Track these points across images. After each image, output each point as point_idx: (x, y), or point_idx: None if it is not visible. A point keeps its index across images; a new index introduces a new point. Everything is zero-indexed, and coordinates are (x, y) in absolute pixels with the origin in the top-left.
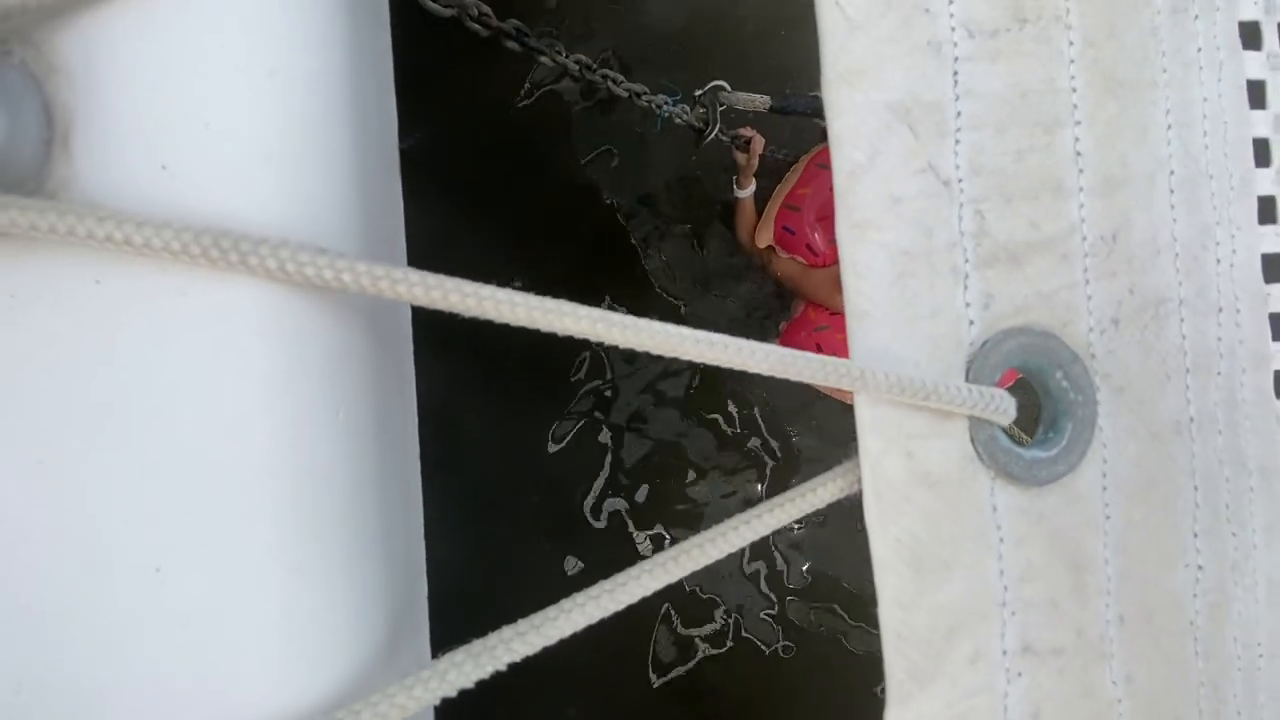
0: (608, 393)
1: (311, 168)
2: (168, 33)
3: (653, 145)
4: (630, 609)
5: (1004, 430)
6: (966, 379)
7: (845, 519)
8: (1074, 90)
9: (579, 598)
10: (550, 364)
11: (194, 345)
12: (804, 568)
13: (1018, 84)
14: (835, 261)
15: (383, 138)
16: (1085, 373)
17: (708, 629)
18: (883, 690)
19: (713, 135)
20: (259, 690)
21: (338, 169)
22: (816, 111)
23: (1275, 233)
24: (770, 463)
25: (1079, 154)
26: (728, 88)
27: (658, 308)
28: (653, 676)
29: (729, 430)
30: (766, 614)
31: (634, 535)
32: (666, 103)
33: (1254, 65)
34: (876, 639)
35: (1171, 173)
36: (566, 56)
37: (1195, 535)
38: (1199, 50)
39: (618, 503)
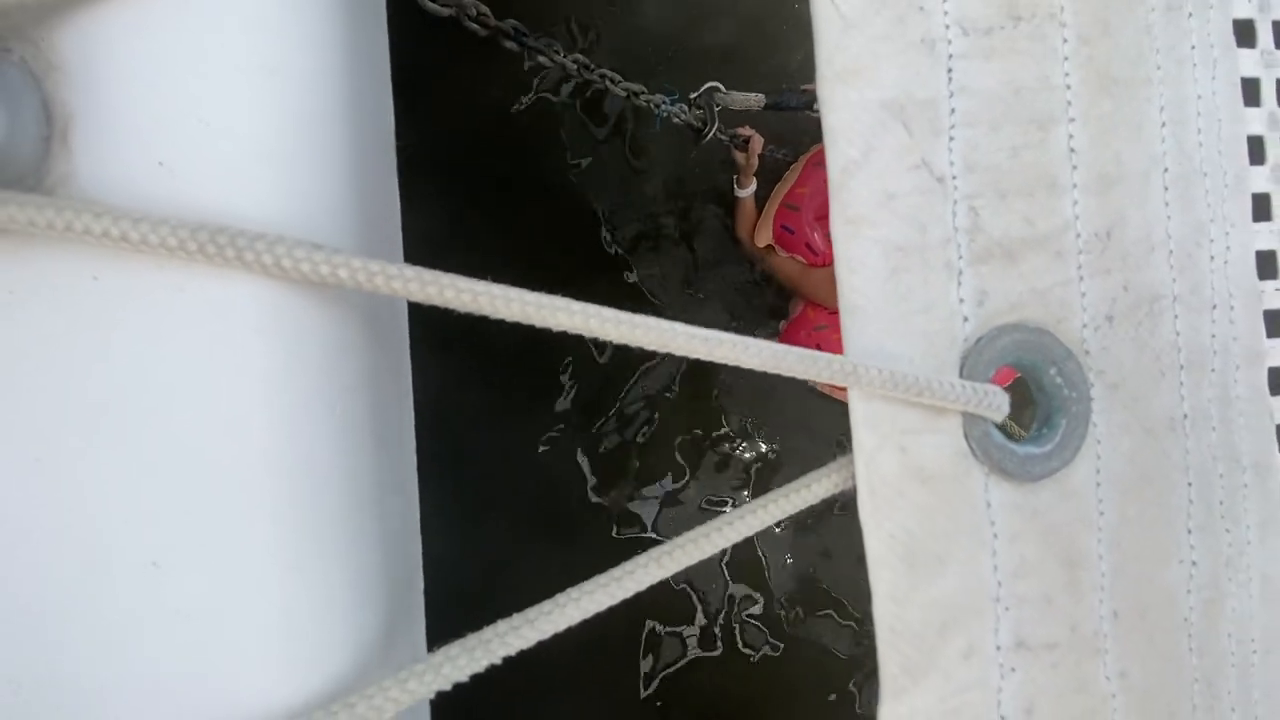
0: (603, 392)
1: (308, 165)
2: (166, 31)
3: (651, 144)
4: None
5: (1000, 426)
6: (960, 375)
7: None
8: (1068, 87)
9: (573, 592)
10: (549, 362)
11: (191, 341)
12: (788, 559)
13: (1012, 81)
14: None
15: (379, 136)
16: (1079, 369)
17: (696, 626)
18: (857, 685)
19: (711, 134)
20: (255, 684)
21: (334, 166)
22: (809, 105)
23: (1270, 230)
24: (770, 458)
25: (1073, 151)
26: (723, 89)
27: (654, 306)
28: (642, 682)
29: (724, 430)
30: (750, 616)
31: (624, 533)
32: (665, 102)
33: (1248, 63)
34: (857, 640)
35: (1166, 170)
36: (564, 56)
37: (1189, 531)
38: (1193, 48)
39: (616, 502)
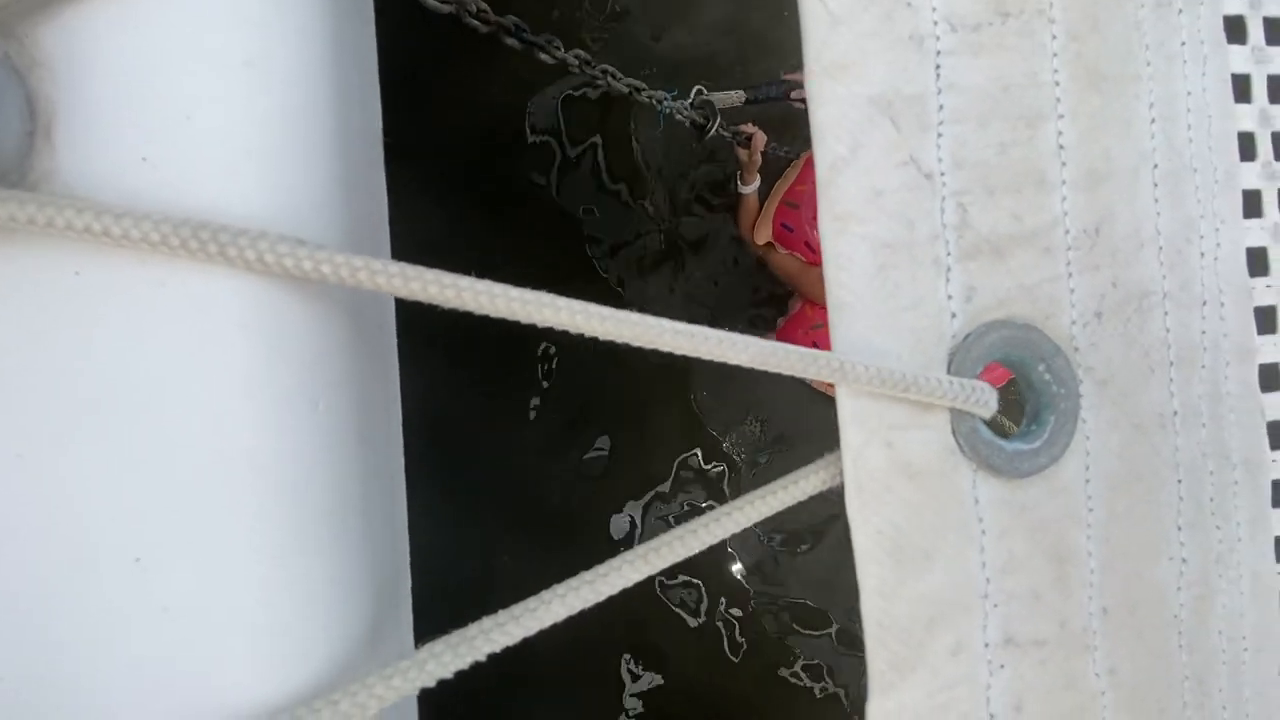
0: (597, 391)
1: (293, 160)
2: (149, 26)
3: (649, 143)
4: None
5: (994, 421)
6: (949, 371)
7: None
8: (1057, 84)
9: (559, 589)
10: (543, 361)
11: (173, 336)
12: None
13: (1000, 77)
14: None
15: (366, 130)
16: (1068, 365)
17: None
18: (823, 690)
19: (713, 131)
20: (238, 680)
21: (319, 161)
22: (788, 93)
23: (1260, 226)
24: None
25: (1062, 147)
26: (705, 90)
27: (650, 307)
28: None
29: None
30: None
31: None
32: (666, 98)
33: (1239, 59)
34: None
35: (1155, 166)
36: (565, 52)
37: (1179, 528)
38: (1183, 44)
39: (607, 501)
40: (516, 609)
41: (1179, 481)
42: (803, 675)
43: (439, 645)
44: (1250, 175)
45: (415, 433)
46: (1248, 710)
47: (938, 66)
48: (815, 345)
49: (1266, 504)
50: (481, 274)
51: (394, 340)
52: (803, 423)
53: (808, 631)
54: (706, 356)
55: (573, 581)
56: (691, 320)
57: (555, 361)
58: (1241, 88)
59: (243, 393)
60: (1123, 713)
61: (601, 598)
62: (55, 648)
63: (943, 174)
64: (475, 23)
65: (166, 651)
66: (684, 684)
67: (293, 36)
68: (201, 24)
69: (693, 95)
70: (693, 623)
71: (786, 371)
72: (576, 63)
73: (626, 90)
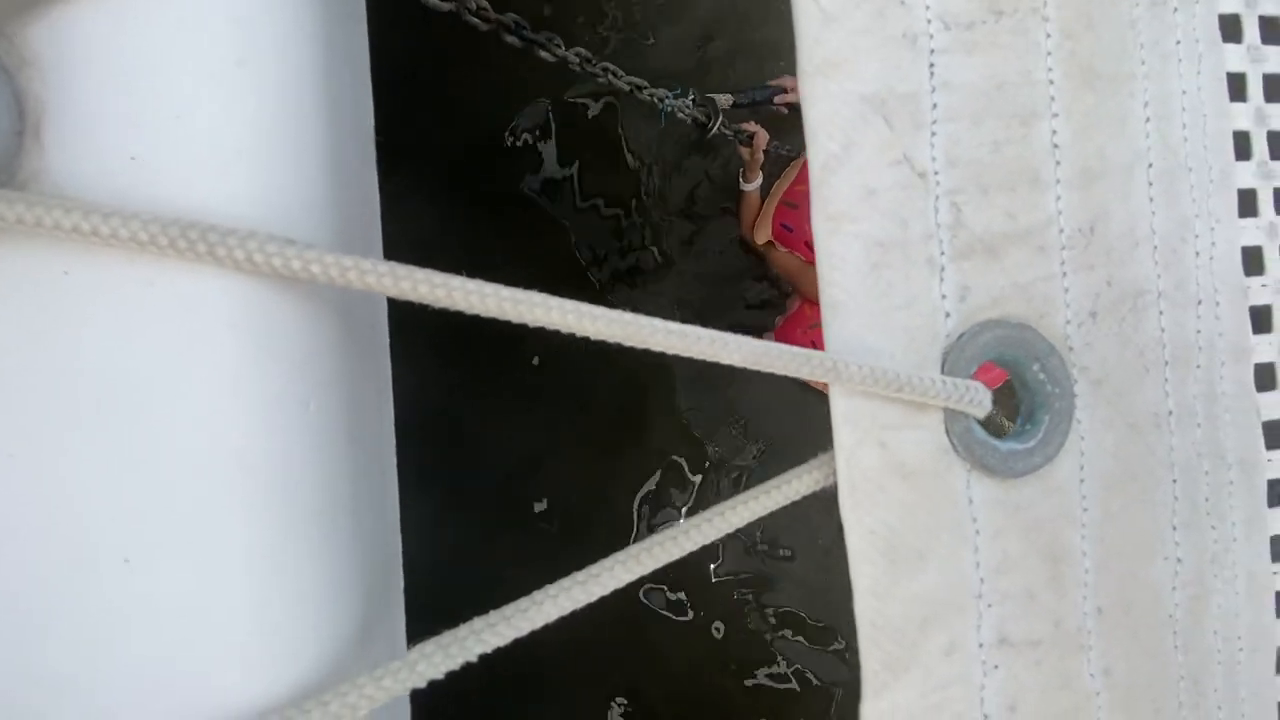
0: (594, 391)
1: (283, 159)
2: (138, 25)
3: (648, 143)
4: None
5: (991, 419)
6: (942, 371)
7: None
8: (1051, 82)
9: (551, 589)
10: (540, 361)
11: (163, 336)
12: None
13: (994, 76)
14: None
15: (358, 130)
16: (1062, 365)
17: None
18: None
19: (715, 129)
20: (228, 681)
21: (310, 161)
22: (771, 98)
23: (1255, 225)
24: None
25: (1056, 146)
26: (693, 92)
27: (648, 306)
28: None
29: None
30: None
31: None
32: (668, 96)
33: (1234, 58)
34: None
35: (1150, 165)
36: (566, 50)
37: (1174, 528)
38: (1178, 43)
39: (605, 502)
40: (508, 609)
41: (1174, 481)
42: (792, 678)
43: (430, 646)
44: (1245, 174)
45: (408, 432)
46: (1243, 710)
47: (931, 64)
48: (814, 344)
49: (1262, 504)
50: (477, 274)
51: (386, 340)
52: (795, 423)
53: (795, 638)
54: (698, 356)
55: (564, 582)
56: (685, 321)
57: (548, 361)
58: (1237, 86)
59: (232, 393)
60: (1118, 713)
61: (593, 598)
62: (44, 648)
63: (936, 173)
64: (475, 20)
65: (155, 652)
66: (675, 685)
67: (283, 35)
68: (191, 23)
69: (690, 94)
70: (683, 622)
71: (779, 371)
72: (577, 60)
73: (627, 88)
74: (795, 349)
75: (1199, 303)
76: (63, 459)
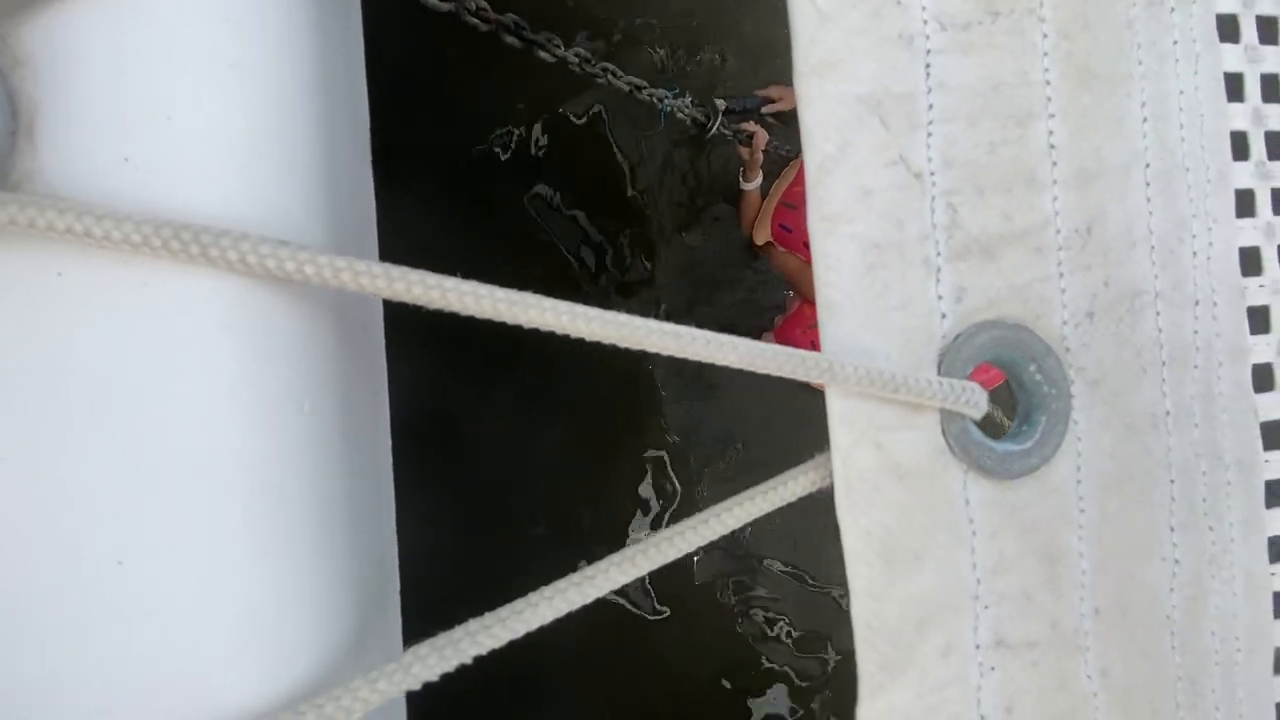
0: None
1: (277, 161)
2: (132, 26)
3: (646, 143)
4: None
5: (988, 420)
6: (939, 372)
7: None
8: (1048, 83)
9: (547, 591)
10: (537, 361)
11: (156, 337)
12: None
13: (990, 76)
14: None
15: (353, 131)
16: (1059, 366)
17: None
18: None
19: (715, 129)
20: (223, 683)
21: (304, 161)
22: (759, 107)
23: (1253, 226)
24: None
25: (1053, 146)
26: (686, 94)
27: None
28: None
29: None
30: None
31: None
32: (667, 96)
33: (1232, 58)
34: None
35: (1147, 165)
36: (566, 49)
37: (1172, 529)
38: (1175, 43)
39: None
40: (504, 611)
41: (1171, 482)
42: (785, 677)
43: (424, 648)
44: (1243, 174)
45: (404, 433)
46: (1241, 711)
47: (927, 65)
48: (813, 344)
49: (1259, 504)
50: (474, 275)
51: (381, 341)
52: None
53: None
54: (694, 357)
55: (560, 584)
56: (684, 321)
57: (545, 363)
58: (1234, 87)
59: (226, 394)
60: (1115, 714)
61: (589, 599)
62: (38, 650)
63: (932, 173)
64: (475, 20)
65: (150, 655)
66: (671, 685)
67: (277, 36)
68: (184, 24)
69: (685, 95)
70: (679, 623)
71: (775, 372)
72: (577, 61)
73: (627, 88)
74: (791, 350)
75: (1196, 303)
76: (56, 461)
